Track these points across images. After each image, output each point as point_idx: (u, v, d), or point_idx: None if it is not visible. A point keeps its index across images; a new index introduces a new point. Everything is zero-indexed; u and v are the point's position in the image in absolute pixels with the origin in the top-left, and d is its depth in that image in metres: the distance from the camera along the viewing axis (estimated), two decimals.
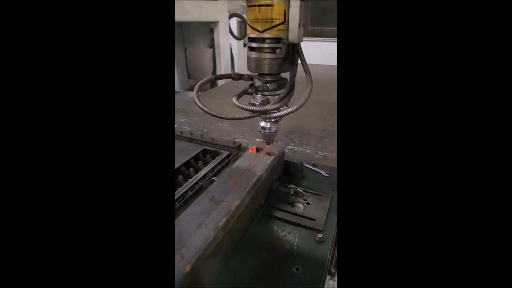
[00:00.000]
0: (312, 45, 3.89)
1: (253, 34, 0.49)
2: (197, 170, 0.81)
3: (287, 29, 0.47)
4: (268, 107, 0.51)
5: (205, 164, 0.84)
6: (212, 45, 2.69)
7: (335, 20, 0.38)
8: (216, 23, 2.43)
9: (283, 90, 0.53)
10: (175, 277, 0.39)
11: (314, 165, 0.85)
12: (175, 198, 0.67)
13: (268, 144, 0.67)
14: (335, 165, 0.86)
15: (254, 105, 0.53)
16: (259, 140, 0.62)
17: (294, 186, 0.71)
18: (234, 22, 3.10)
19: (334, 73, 2.48)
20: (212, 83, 3.01)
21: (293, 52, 0.50)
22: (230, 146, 0.95)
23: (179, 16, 1.97)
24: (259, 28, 0.47)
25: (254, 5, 0.46)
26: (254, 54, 0.51)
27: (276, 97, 0.53)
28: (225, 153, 0.90)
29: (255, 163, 0.71)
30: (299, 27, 0.46)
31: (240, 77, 0.56)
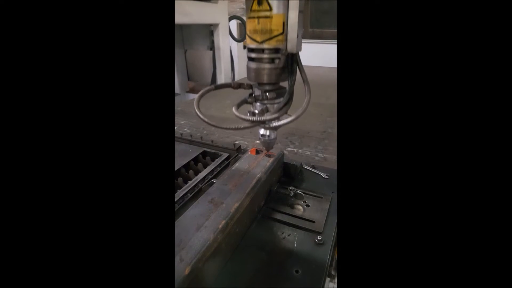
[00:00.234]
0: (312, 47, 3.89)
1: (252, 45, 0.50)
2: (196, 172, 0.81)
3: (286, 39, 0.47)
4: (267, 117, 0.52)
5: (205, 166, 0.84)
6: (212, 47, 2.69)
7: (335, 22, 0.38)
8: (216, 25, 2.43)
9: (282, 98, 0.54)
10: (175, 279, 0.39)
11: (313, 167, 0.85)
12: (175, 200, 0.67)
13: (267, 151, 0.67)
14: (335, 167, 0.86)
15: (253, 113, 0.54)
16: (259, 142, 0.63)
17: (293, 188, 0.71)
18: (234, 24, 3.11)
19: (334, 75, 2.48)
20: (212, 84, 3.01)
21: (292, 62, 0.51)
22: (230, 148, 0.95)
23: (179, 18, 1.97)
24: (258, 39, 0.48)
25: (254, 17, 0.47)
26: (253, 64, 0.51)
27: (275, 105, 0.54)
28: (225, 155, 0.90)
29: (255, 165, 0.71)
30: (297, 37, 0.47)
31: (239, 86, 0.57)
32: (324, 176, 0.82)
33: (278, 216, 0.65)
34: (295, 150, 1.09)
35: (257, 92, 0.54)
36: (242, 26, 3.16)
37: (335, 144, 1.11)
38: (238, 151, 0.94)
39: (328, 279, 0.57)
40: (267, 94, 0.53)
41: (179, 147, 0.96)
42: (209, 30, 2.67)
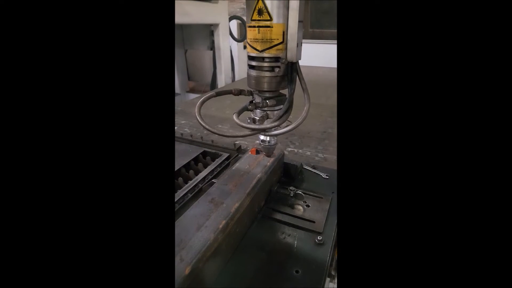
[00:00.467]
0: (312, 47, 3.90)
1: (253, 53, 0.50)
2: (197, 172, 0.81)
3: (286, 48, 0.48)
4: (267, 125, 0.53)
5: (205, 166, 0.84)
6: (212, 47, 2.69)
7: (335, 22, 0.38)
8: (216, 25, 2.44)
9: (282, 106, 0.54)
10: (175, 279, 0.39)
11: (314, 167, 0.85)
12: (175, 200, 0.67)
13: (268, 156, 0.68)
14: (335, 167, 0.86)
15: (254, 120, 0.55)
16: (259, 142, 0.63)
17: (294, 188, 0.71)
18: (234, 24, 3.11)
19: (334, 75, 2.48)
20: (212, 85, 3.02)
21: (292, 70, 0.51)
22: (230, 148, 0.95)
23: (180, 18, 1.98)
24: (259, 48, 0.49)
25: (254, 26, 0.48)
26: (253, 72, 0.52)
27: (275, 112, 0.55)
28: (225, 155, 0.90)
29: (255, 165, 0.71)
30: (297, 46, 0.48)
31: (240, 92, 0.58)
32: (324, 176, 0.82)
33: (278, 216, 0.65)
34: (295, 150, 1.09)
35: (258, 99, 0.55)
36: (242, 26, 3.16)
37: (335, 144, 1.11)
38: (238, 151, 0.94)
39: (328, 279, 0.57)
40: (267, 101, 0.54)
41: (179, 147, 0.96)
42: (209, 30, 2.67)
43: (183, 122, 1.39)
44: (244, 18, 2.95)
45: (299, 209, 0.68)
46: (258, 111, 0.56)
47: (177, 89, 3.17)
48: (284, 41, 0.48)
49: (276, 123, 0.53)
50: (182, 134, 1.06)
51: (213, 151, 0.93)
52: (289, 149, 1.10)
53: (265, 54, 0.49)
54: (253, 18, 0.48)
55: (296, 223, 0.62)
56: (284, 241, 0.58)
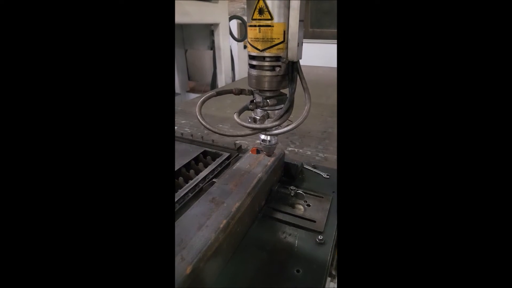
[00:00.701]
0: (312, 47, 3.90)
1: (254, 53, 0.50)
2: (197, 172, 0.81)
3: (287, 48, 0.48)
4: (268, 125, 0.53)
5: (206, 166, 0.84)
6: (212, 47, 2.69)
7: (335, 22, 0.38)
8: (216, 25, 2.44)
9: (282, 105, 0.55)
10: (176, 279, 0.39)
11: (314, 167, 0.85)
12: (176, 200, 0.67)
13: (268, 156, 0.68)
14: (335, 167, 0.86)
15: (254, 119, 0.55)
16: (260, 141, 0.63)
17: (294, 188, 0.71)
18: (234, 24, 3.11)
19: (334, 74, 2.48)
20: (212, 84, 3.02)
21: (292, 70, 0.51)
22: (231, 147, 0.95)
23: (180, 18, 1.98)
24: (260, 47, 0.49)
25: (255, 25, 0.48)
26: (254, 72, 0.52)
27: (276, 112, 0.55)
28: (226, 155, 0.90)
29: (256, 164, 0.71)
30: (298, 45, 0.48)
31: (241, 92, 0.58)
32: (325, 176, 0.82)
33: (279, 216, 0.65)
34: (296, 150, 1.09)
35: (258, 98, 0.55)
36: (242, 26, 3.16)
37: (335, 144, 1.11)
38: (238, 151, 0.94)
39: (329, 278, 0.57)
40: (268, 100, 0.54)
41: (179, 146, 0.96)
42: (209, 30, 2.67)
43: (183, 121, 1.39)
44: (244, 17, 2.95)
45: (300, 208, 0.68)
46: (259, 110, 0.56)
47: (177, 89, 3.17)
48: (285, 40, 0.48)
49: (277, 123, 0.53)
50: (182, 133, 1.06)
51: (214, 150, 0.93)
52: (290, 148, 1.10)
53: (266, 54, 0.49)
54: (254, 18, 0.47)
55: (296, 222, 0.62)
56: (285, 241, 0.58)
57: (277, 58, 0.49)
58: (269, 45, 0.48)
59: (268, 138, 0.61)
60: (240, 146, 0.96)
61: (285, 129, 0.52)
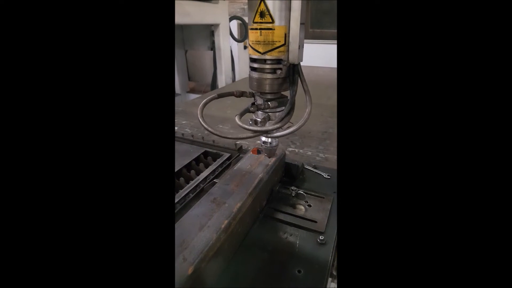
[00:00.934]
0: (312, 47, 3.90)
1: (255, 55, 0.51)
2: (198, 172, 0.81)
3: (288, 50, 0.49)
4: (269, 127, 0.54)
5: (206, 166, 0.84)
6: (212, 48, 2.69)
7: (336, 22, 0.38)
8: (216, 25, 2.44)
9: (283, 107, 0.55)
10: (178, 279, 0.39)
11: (315, 167, 0.85)
12: (177, 200, 0.67)
13: (269, 158, 0.68)
14: (336, 167, 0.86)
15: (256, 121, 0.56)
16: (261, 143, 0.63)
17: (295, 188, 0.72)
18: (234, 24, 3.12)
19: (334, 75, 2.48)
20: (213, 85, 3.02)
21: (293, 72, 0.52)
22: (231, 148, 0.95)
23: (180, 19, 1.98)
24: (261, 50, 0.49)
25: (256, 29, 0.48)
26: (255, 74, 0.53)
27: (277, 114, 0.56)
28: (226, 155, 0.90)
29: (256, 165, 0.71)
30: (299, 48, 0.48)
31: (242, 94, 0.58)
32: (326, 176, 0.82)
33: (280, 216, 0.65)
34: (296, 150, 1.09)
35: (259, 101, 0.56)
36: (242, 26, 3.16)
37: (336, 144, 1.11)
38: (239, 151, 0.94)
39: (330, 279, 0.57)
40: (269, 103, 0.54)
41: (180, 147, 0.96)
42: (209, 30, 2.67)
43: (184, 122, 1.39)
44: (244, 18, 2.95)
45: (301, 209, 0.68)
46: (260, 112, 0.56)
47: (178, 89, 3.17)
48: (286, 43, 0.48)
49: (278, 125, 0.53)
50: (183, 134, 1.06)
51: (214, 151, 0.93)
52: (290, 149, 1.10)
53: (267, 56, 0.49)
54: (255, 21, 0.48)
55: (298, 223, 0.63)
56: (286, 241, 0.58)
57: (278, 61, 0.50)
58: (270, 48, 0.48)
59: (269, 140, 0.61)
60: (241, 146, 0.96)
61: (286, 131, 0.53)
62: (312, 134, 1.24)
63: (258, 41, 0.49)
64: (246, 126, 0.54)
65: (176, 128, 1.31)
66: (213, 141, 0.99)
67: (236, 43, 3.06)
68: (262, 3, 0.46)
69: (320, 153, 1.06)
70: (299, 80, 0.53)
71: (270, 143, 0.62)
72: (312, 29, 4.17)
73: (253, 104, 0.56)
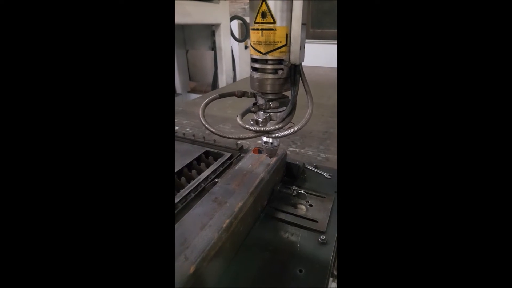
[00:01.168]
0: (313, 47, 3.90)
1: (256, 56, 0.51)
2: (199, 172, 0.81)
3: (289, 51, 0.49)
4: (271, 127, 0.54)
5: (208, 166, 0.84)
6: (213, 47, 2.70)
7: (336, 22, 0.38)
8: (217, 25, 2.44)
9: (285, 108, 0.55)
10: (180, 279, 0.39)
11: (316, 167, 0.86)
12: (178, 199, 0.67)
13: (270, 158, 0.69)
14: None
15: (257, 121, 0.56)
16: (262, 143, 0.63)
17: (296, 188, 0.72)
18: (235, 24, 3.12)
19: (335, 75, 2.48)
20: (213, 85, 3.02)
21: (295, 73, 0.52)
22: (232, 148, 0.95)
23: (181, 19, 1.98)
24: (262, 50, 0.49)
25: (257, 29, 0.48)
26: (257, 75, 0.53)
27: (278, 114, 0.56)
28: (227, 155, 0.90)
29: (258, 164, 0.71)
30: (300, 49, 0.48)
31: (243, 94, 0.58)
32: (327, 176, 0.82)
33: (281, 216, 0.65)
34: (297, 150, 1.09)
35: (261, 101, 0.56)
36: (243, 26, 3.17)
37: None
38: (240, 151, 0.94)
39: (331, 278, 0.57)
40: (270, 103, 0.54)
41: (181, 146, 0.96)
42: (210, 30, 2.67)
43: (185, 122, 1.39)
44: (245, 18, 2.96)
45: (302, 208, 0.68)
46: (261, 113, 0.56)
47: (179, 89, 3.17)
48: (287, 43, 0.48)
49: (279, 125, 0.53)
50: (184, 134, 1.06)
51: (216, 150, 0.93)
52: (291, 149, 1.10)
53: (268, 57, 0.49)
54: (256, 21, 0.48)
55: (299, 222, 0.63)
56: (287, 240, 0.58)
57: (279, 61, 0.50)
58: (271, 48, 0.49)
59: (270, 140, 0.62)
60: (242, 146, 0.96)
61: (288, 131, 0.53)
62: (313, 134, 1.24)
63: (260, 42, 0.49)
64: (248, 126, 0.54)
65: (177, 128, 1.31)
66: (214, 141, 0.99)
67: (237, 43, 3.06)
68: (264, 3, 0.46)
69: (321, 153, 1.07)
70: (300, 80, 0.53)
71: (271, 143, 0.62)
72: (313, 29, 4.17)
73: (254, 104, 0.57)
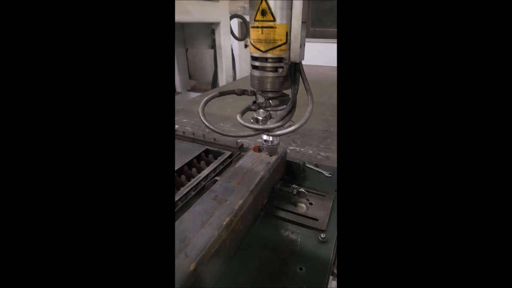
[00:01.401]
0: (313, 46, 3.90)
1: (256, 54, 0.51)
2: (199, 170, 0.81)
3: (289, 49, 0.48)
4: (271, 126, 0.54)
5: (208, 164, 0.84)
6: (213, 46, 2.70)
7: (336, 21, 0.38)
8: (217, 24, 2.44)
9: (285, 106, 0.55)
10: (180, 276, 0.39)
11: (316, 166, 0.86)
12: (178, 198, 0.67)
13: (271, 156, 0.69)
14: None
15: (257, 120, 0.56)
16: (262, 141, 0.63)
17: (296, 186, 0.71)
18: (235, 23, 3.11)
19: (335, 74, 2.47)
20: (213, 83, 3.02)
21: (295, 71, 0.52)
22: (232, 146, 0.95)
23: (181, 17, 1.98)
24: (262, 48, 0.49)
25: (257, 27, 0.48)
26: (257, 73, 0.52)
27: (278, 112, 0.55)
28: (228, 153, 0.90)
29: (258, 163, 0.71)
30: (300, 47, 0.48)
31: (243, 92, 0.58)
32: (327, 174, 0.82)
33: (282, 214, 0.65)
34: (297, 148, 1.09)
35: (261, 99, 0.56)
36: (243, 24, 3.16)
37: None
38: (240, 149, 0.94)
39: (331, 277, 0.57)
40: (270, 101, 0.54)
41: (181, 145, 0.96)
42: (210, 29, 2.67)
43: (185, 120, 1.39)
44: (245, 16, 2.95)
45: (302, 207, 0.68)
46: (261, 111, 0.56)
47: (179, 88, 3.17)
48: (287, 41, 0.48)
49: (279, 124, 0.53)
50: (184, 132, 1.06)
51: (216, 149, 0.93)
52: (291, 147, 1.10)
53: (268, 55, 0.49)
54: (256, 19, 0.48)
55: (299, 220, 0.63)
56: (288, 239, 0.58)
57: (279, 59, 0.50)
58: (271, 46, 0.48)
59: (271, 138, 0.62)
60: (242, 144, 0.96)
61: (288, 130, 0.53)
62: (313, 133, 1.24)
63: (260, 40, 0.49)
64: (248, 124, 0.54)
65: (177, 126, 1.31)
66: (214, 139, 0.99)
67: (236, 41, 3.06)
68: (264, 1, 0.46)
69: (321, 152, 1.07)
70: (300, 78, 0.53)
71: (272, 141, 0.62)
72: (313, 28, 4.16)
73: (254, 102, 0.56)
